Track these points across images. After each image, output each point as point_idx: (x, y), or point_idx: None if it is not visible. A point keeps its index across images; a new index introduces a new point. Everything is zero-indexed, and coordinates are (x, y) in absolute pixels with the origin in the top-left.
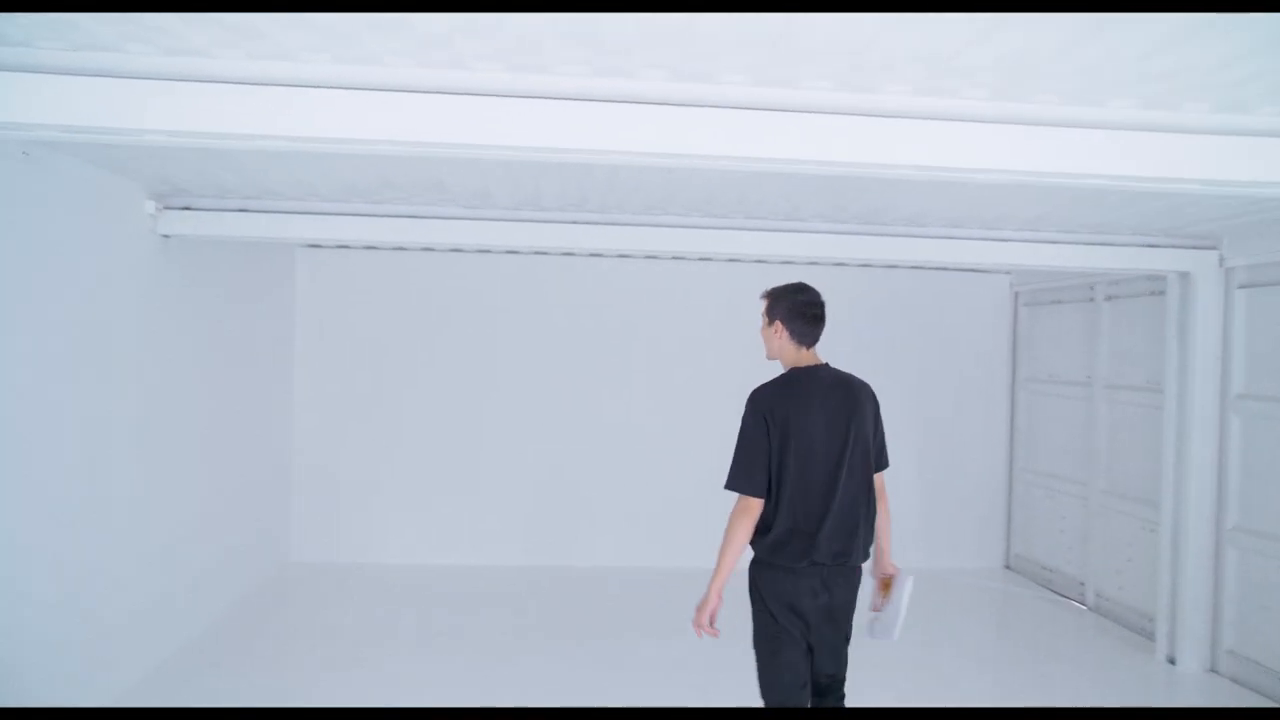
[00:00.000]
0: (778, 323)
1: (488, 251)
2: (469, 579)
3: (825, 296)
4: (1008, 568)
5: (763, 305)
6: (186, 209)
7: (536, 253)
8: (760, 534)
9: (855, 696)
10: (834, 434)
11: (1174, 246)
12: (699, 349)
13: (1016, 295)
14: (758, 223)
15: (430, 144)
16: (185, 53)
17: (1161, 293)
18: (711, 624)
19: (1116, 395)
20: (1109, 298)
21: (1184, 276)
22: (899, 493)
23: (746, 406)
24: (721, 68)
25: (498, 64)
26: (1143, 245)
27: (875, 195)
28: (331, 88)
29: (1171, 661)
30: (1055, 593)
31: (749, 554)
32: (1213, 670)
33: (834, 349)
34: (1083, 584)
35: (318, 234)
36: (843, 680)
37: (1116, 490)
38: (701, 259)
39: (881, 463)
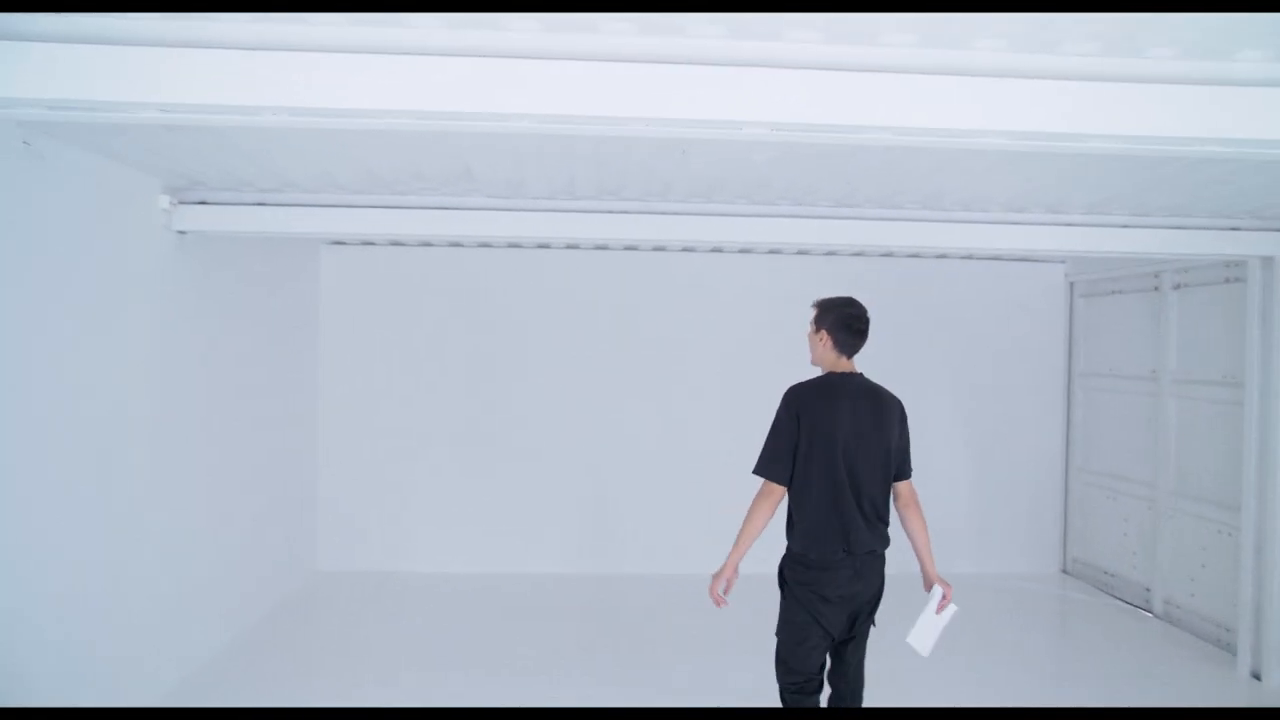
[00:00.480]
0: (824, 331)
1: (518, 246)
2: (503, 587)
3: (873, 289)
4: (1065, 572)
5: (812, 313)
6: (202, 203)
7: (569, 246)
8: (793, 529)
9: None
10: (860, 436)
11: (1258, 229)
12: (736, 347)
13: (1071, 286)
14: (806, 209)
15: (457, 114)
16: (182, 14)
17: (1239, 280)
18: (725, 593)
19: (1187, 390)
20: (1177, 286)
21: (1267, 261)
22: (950, 494)
23: (782, 401)
24: (787, 23)
25: (534, 23)
26: (1223, 229)
27: (938, 175)
28: (347, 52)
29: (1256, 677)
30: (1118, 599)
31: (775, 546)
32: None
33: (882, 343)
34: (1148, 590)
35: (339, 228)
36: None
37: (1188, 491)
38: (743, 250)
39: (904, 472)
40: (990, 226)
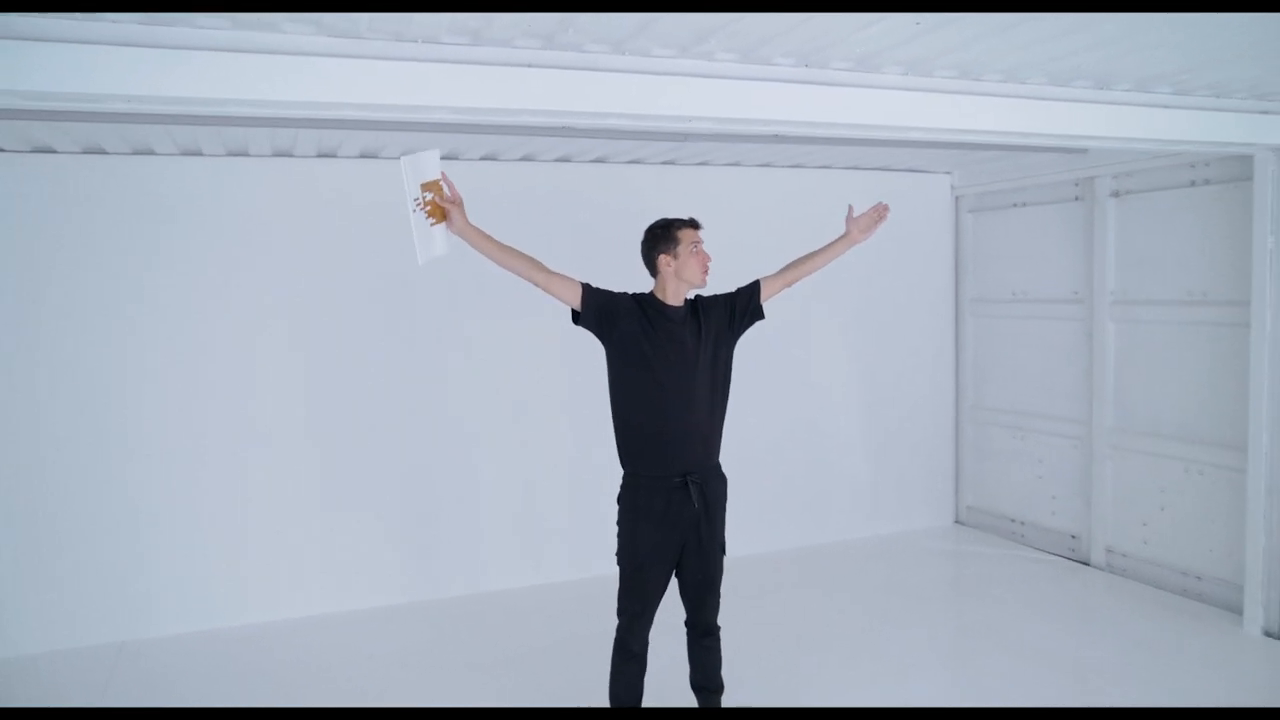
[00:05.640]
0: None
1: (332, 157)
2: (279, 643)
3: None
4: (959, 523)
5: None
6: None
7: (405, 153)
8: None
9: None
10: None
11: (1266, 112)
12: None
13: (958, 200)
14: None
15: None
16: None
17: (1206, 183)
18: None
19: (1134, 312)
20: (1117, 194)
21: None
22: (835, 446)
23: None
24: None
25: None
26: (1216, 109)
27: None
28: None
29: (1271, 635)
30: (1038, 549)
31: None
32: None
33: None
34: (1075, 538)
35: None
36: None
37: (1135, 426)
38: (664, 161)
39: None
40: (889, 93)
